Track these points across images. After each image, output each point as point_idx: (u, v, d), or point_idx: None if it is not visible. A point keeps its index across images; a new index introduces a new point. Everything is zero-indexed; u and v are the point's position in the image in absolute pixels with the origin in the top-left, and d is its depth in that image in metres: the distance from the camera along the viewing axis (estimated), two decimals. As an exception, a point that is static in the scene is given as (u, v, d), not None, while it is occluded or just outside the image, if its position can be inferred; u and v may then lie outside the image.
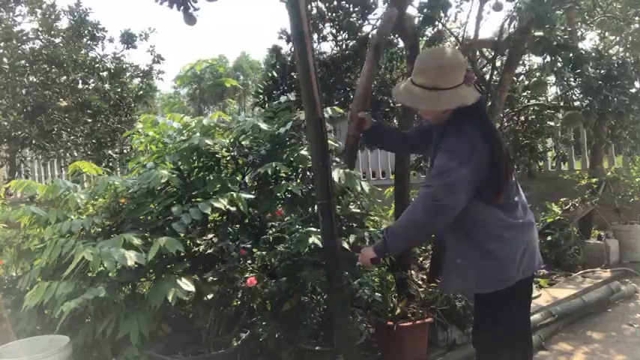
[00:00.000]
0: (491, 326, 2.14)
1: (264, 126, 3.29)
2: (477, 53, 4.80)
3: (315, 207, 3.04)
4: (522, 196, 2.13)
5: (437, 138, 2.09)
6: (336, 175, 3.04)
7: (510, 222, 2.02)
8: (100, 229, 3.03)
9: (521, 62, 5.05)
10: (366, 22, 4.49)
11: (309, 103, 2.40)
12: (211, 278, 2.70)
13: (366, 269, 2.75)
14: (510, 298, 2.07)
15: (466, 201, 1.92)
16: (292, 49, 4.49)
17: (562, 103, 5.54)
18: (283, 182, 3.13)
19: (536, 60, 5.50)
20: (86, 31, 7.48)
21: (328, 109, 3.33)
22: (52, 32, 7.36)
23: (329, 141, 3.60)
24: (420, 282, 3.56)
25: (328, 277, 2.52)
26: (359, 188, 3.18)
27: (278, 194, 3.10)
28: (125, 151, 7.43)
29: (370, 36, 4.46)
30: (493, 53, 4.50)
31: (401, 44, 4.54)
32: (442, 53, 2.08)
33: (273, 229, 2.85)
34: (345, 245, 2.91)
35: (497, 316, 2.10)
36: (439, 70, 1.96)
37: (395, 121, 5.00)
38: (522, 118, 5.86)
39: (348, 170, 3.17)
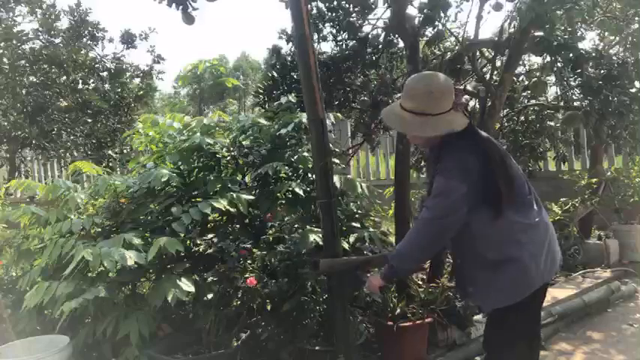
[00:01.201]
0: (505, 333, 2.08)
1: (264, 121, 3.29)
2: (477, 53, 4.80)
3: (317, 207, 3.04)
4: (535, 194, 2.09)
5: (433, 160, 2.11)
6: (337, 180, 3.05)
7: (525, 223, 1.98)
8: (100, 229, 3.03)
9: (521, 62, 5.04)
10: (366, 22, 4.49)
11: (311, 104, 2.41)
12: (211, 278, 2.70)
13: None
14: (531, 307, 2.04)
15: (465, 216, 1.92)
16: (292, 49, 4.50)
17: (562, 103, 5.54)
18: (284, 182, 3.13)
19: (536, 60, 5.51)
20: (86, 31, 7.48)
21: (331, 115, 3.33)
22: (52, 32, 7.37)
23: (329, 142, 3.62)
24: (420, 282, 3.56)
25: (328, 276, 2.53)
26: (359, 189, 3.18)
27: (278, 194, 3.10)
28: (125, 151, 7.44)
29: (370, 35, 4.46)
30: (493, 53, 4.50)
31: (401, 44, 4.54)
32: (432, 78, 2.07)
33: (273, 229, 2.85)
34: (345, 245, 2.92)
35: (515, 333, 2.06)
36: (428, 95, 1.97)
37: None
38: (522, 118, 5.86)
39: (348, 177, 3.18)
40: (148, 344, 2.57)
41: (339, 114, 3.48)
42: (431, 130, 1.98)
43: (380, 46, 4.49)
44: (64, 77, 7.47)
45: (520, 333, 2.07)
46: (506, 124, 5.81)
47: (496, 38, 4.26)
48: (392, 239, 3.72)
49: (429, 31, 4.28)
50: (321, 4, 4.37)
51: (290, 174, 3.29)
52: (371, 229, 3.22)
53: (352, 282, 2.44)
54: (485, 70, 4.97)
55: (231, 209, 2.83)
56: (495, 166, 1.94)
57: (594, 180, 5.81)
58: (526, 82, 5.52)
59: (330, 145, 3.53)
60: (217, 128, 3.47)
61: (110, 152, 7.44)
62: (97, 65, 7.69)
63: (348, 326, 2.53)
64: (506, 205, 1.93)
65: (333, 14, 4.39)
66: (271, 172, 3.02)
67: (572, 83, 4.53)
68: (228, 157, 3.37)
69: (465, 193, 1.88)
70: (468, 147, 1.95)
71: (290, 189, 3.06)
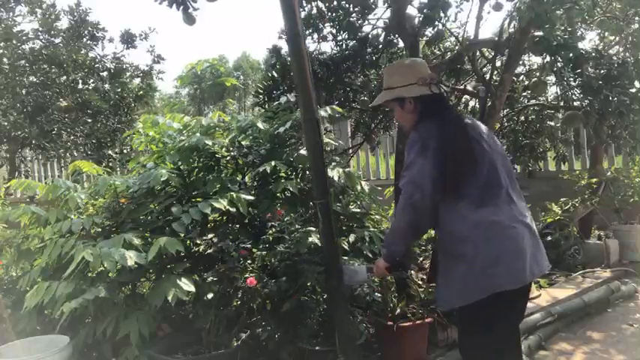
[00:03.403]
0: (477, 338, 2.03)
1: (261, 125, 3.30)
2: (477, 53, 4.80)
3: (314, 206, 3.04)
4: (516, 193, 2.03)
5: None
6: (336, 174, 3.04)
7: (489, 220, 1.91)
8: (100, 229, 3.03)
9: (521, 62, 5.04)
10: (366, 22, 4.48)
11: (305, 102, 2.43)
12: (211, 278, 2.70)
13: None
14: (495, 309, 1.93)
15: (436, 195, 1.92)
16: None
17: (562, 103, 5.54)
18: (282, 181, 3.13)
19: (536, 60, 5.50)
20: (86, 31, 7.48)
21: (327, 108, 3.33)
22: (52, 32, 7.36)
23: (329, 140, 3.62)
24: (420, 282, 3.56)
25: (327, 277, 2.53)
26: (359, 188, 3.18)
27: (277, 193, 3.09)
28: (125, 151, 7.44)
29: (370, 35, 4.46)
30: (493, 53, 4.49)
31: (401, 44, 4.54)
32: (399, 62, 2.29)
33: (273, 229, 2.85)
34: (345, 245, 2.92)
35: (481, 331, 1.99)
36: (389, 72, 2.28)
37: (395, 121, 5.00)
38: (522, 118, 5.86)
39: (347, 170, 3.17)
40: (148, 344, 2.57)
41: (339, 107, 3.47)
42: (381, 98, 2.23)
43: (380, 46, 4.49)
44: (64, 77, 7.46)
45: (490, 340, 1.98)
46: (506, 124, 5.81)
47: (496, 38, 4.26)
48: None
49: (429, 31, 4.27)
50: (321, 4, 4.37)
51: (289, 173, 3.29)
52: (371, 229, 3.23)
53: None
54: (485, 70, 4.97)
55: (231, 209, 2.84)
56: (451, 147, 1.95)
57: (594, 180, 5.81)
58: (526, 82, 5.52)
59: (331, 141, 3.55)
60: (217, 128, 3.47)
61: (110, 152, 7.43)
62: (96, 65, 7.68)
63: (348, 324, 2.53)
64: (457, 193, 1.93)
65: (333, 14, 4.38)
66: (269, 170, 3.02)
67: (572, 83, 4.53)
68: (228, 157, 3.37)
69: (422, 164, 1.92)
70: (432, 124, 2.02)
71: (287, 188, 3.06)
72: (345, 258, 2.86)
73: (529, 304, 3.94)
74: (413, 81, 2.13)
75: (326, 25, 4.46)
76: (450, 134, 1.99)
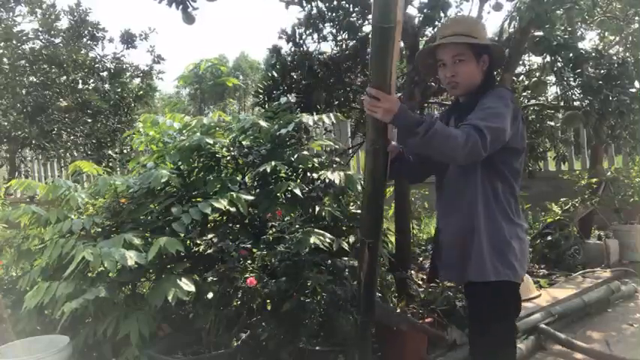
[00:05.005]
0: (505, 325, 1.96)
1: (264, 124, 3.29)
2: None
3: (317, 208, 3.04)
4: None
5: (463, 111, 1.92)
6: (337, 177, 3.04)
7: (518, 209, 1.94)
8: (100, 229, 3.03)
9: (521, 62, 5.04)
10: (366, 22, 4.48)
11: (376, 130, 1.86)
12: (211, 278, 2.71)
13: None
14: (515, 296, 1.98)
15: (484, 157, 1.77)
16: (292, 49, 4.49)
17: (562, 103, 5.53)
18: (283, 182, 3.13)
19: (536, 60, 5.50)
20: (86, 31, 7.48)
21: (331, 115, 3.33)
22: (52, 32, 7.36)
23: (329, 141, 3.63)
24: (420, 282, 3.56)
25: (363, 311, 2.22)
26: (359, 188, 3.18)
27: (278, 194, 3.10)
28: (125, 151, 7.44)
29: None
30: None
31: (401, 44, 4.53)
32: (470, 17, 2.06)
33: (274, 230, 2.85)
34: (345, 245, 2.92)
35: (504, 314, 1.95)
36: (470, 22, 2.01)
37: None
38: (522, 118, 5.85)
39: (348, 172, 3.18)
40: (148, 344, 2.57)
41: (339, 114, 3.48)
42: (458, 37, 1.88)
43: (380, 46, 4.48)
44: (64, 77, 7.47)
45: (511, 328, 2.02)
46: (506, 124, 5.80)
47: (496, 38, 4.26)
48: (392, 239, 3.73)
49: (429, 31, 4.27)
50: (321, 4, 4.37)
51: (289, 174, 3.29)
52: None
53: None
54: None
55: (231, 209, 2.84)
56: (524, 142, 1.90)
57: (594, 180, 5.81)
58: (526, 82, 5.52)
59: (331, 142, 3.55)
60: (217, 128, 3.47)
61: (110, 152, 7.43)
62: (97, 65, 7.69)
63: (369, 346, 2.39)
64: (516, 181, 1.93)
65: (333, 14, 4.38)
66: (270, 170, 3.02)
67: (572, 83, 4.53)
68: (228, 157, 3.37)
69: (506, 133, 1.78)
70: (513, 102, 1.87)
71: (289, 189, 3.06)
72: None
73: (529, 304, 3.96)
74: (489, 42, 1.94)
75: (326, 25, 4.46)
76: (523, 129, 1.91)
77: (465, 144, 1.69)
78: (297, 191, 2.97)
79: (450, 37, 1.91)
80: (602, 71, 3.84)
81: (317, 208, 3.03)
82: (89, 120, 7.49)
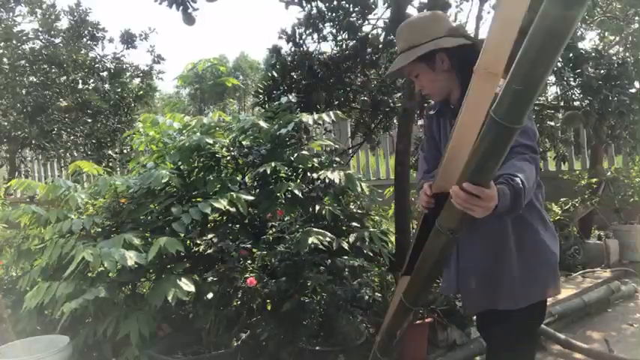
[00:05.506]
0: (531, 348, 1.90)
1: (264, 124, 3.29)
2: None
3: (316, 207, 3.04)
4: None
5: (450, 116, 1.79)
6: (337, 176, 3.04)
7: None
8: (100, 229, 3.03)
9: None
10: (366, 22, 4.48)
11: (460, 222, 1.45)
12: (211, 278, 2.71)
13: None
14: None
15: None
16: (292, 49, 4.49)
17: (562, 103, 5.53)
18: (283, 182, 3.13)
19: (536, 60, 5.48)
20: (86, 31, 7.49)
21: (331, 113, 3.33)
22: (52, 32, 7.37)
23: (329, 141, 3.63)
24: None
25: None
26: (359, 189, 3.18)
27: (278, 194, 3.10)
28: (125, 151, 7.44)
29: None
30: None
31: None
32: (415, 16, 1.87)
33: (273, 229, 2.85)
34: (345, 245, 2.92)
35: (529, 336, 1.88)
36: (407, 29, 1.77)
37: (395, 120, 4.99)
38: (522, 118, 5.83)
39: (348, 172, 3.18)
40: (148, 344, 2.58)
41: (339, 112, 3.48)
42: (398, 61, 1.76)
43: (380, 46, 4.48)
44: (64, 77, 7.47)
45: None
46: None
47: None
48: (392, 239, 3.73)
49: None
50: (321, 4, 4.37)
51: (289, 174, 3.29)
52: (371, 229, 3.23)
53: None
54: (485, 70, 4.95)
55: (231, 209, 2.84)
56: None
57: (594, 180, 5.81)
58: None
59: (331, 142, 3.54)
60: (217, 128, 3.47)
61: (110, 152, 7.44)
62: (96, 65, 7.69)
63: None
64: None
65: (333, 14, 4.38)
66: (270, 170, 3.03)
67: (572, 83, 4.53)
68: (228, 157, 3.37)
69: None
70: None
71: (289, 189, 3.06)
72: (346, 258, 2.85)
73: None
74: (441, 34, 1.71)
75: (326, 25, 4.45)
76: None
77: (537, 170, 1.61)
78: (297, 191, 2.97)
79: (399, 56, 1.79)
80: (602, 71, 3.84)
81: (317, 208, 3.03)
82: (89, 120, 7.49)
